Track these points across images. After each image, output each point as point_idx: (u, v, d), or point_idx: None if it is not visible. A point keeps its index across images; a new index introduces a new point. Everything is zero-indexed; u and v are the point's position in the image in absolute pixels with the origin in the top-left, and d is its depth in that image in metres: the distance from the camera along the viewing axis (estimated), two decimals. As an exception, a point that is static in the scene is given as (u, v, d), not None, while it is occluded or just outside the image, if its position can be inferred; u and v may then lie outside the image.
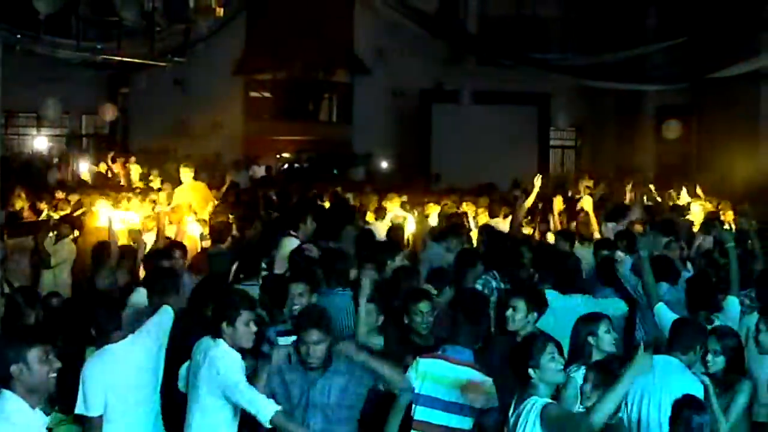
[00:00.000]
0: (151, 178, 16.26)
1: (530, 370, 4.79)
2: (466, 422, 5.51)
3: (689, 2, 20.94)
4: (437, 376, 5.49)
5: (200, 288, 6.98)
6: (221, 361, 5.32)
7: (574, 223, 12.05)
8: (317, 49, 22.59)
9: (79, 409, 5.41)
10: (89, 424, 5.41)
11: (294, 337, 5.74)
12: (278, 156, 24.24)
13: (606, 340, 5.74)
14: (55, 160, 21.36)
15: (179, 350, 5.70)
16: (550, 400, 4.74)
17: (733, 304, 6.87)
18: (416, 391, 5.47)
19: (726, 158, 19.61)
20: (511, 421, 4.83)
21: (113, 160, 18.93)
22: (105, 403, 5.41)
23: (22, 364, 4.01)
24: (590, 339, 5.74)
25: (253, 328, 5.53)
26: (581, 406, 4.94)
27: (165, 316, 5.89)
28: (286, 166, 23.39)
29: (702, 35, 20.02)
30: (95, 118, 24.23)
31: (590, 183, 17.89)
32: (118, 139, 24.17)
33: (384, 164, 21.94)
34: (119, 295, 7.09)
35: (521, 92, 23.40)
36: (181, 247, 8.63)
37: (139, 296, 7.11)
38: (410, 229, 12.03)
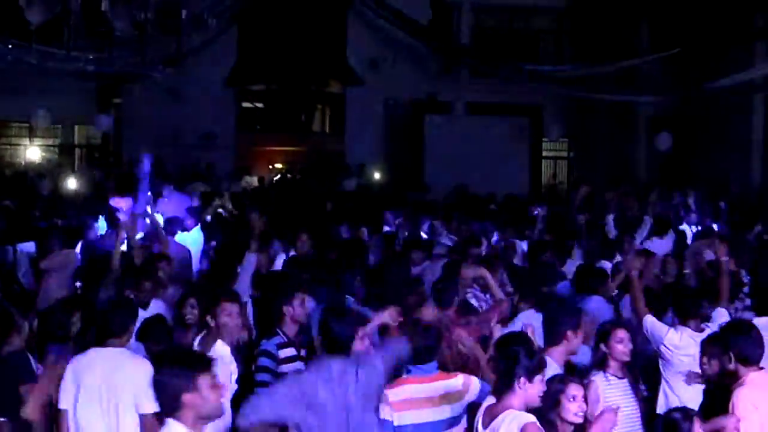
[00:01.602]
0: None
1: (522, 379, 4.72)
2: (458, 431, 5.50)
3: (682, 13, 20.99)
4: (413, 401, 5.38)
5: None
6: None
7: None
8: (310, 59, 22.58)
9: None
10: (58, 416, 5.52)
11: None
12: (270, 167, 24.23)
13: (618, 350, 5.83)
14: (48, 170, 21.25)
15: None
16: (531, 418, 4.65)
17: (722, 315, 6.92)
18: (396, 424, 5.35)
19: (718, 169, 19.65)
20: None
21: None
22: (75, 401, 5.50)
23: (194, 392, 3.86)
24: (602, 346, 5.87)
25: (236, 319, 5.61)
26: None
27: None
28: (278, 176, 23.35)
29: (694, 46, 20.07)
30: (87, 128, 24.20)
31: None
32: (110, 150, 24.14)
33: (377, 175, 21.90)
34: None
35: (514, 103, 23.44)
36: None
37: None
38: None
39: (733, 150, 20.38)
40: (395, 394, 5.37)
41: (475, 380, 5.55)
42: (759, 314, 7.07)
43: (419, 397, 5.39)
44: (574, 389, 4.89)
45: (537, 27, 25.60)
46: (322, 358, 5.27)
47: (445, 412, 5.41)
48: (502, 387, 4.78)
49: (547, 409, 4.83)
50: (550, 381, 4.95)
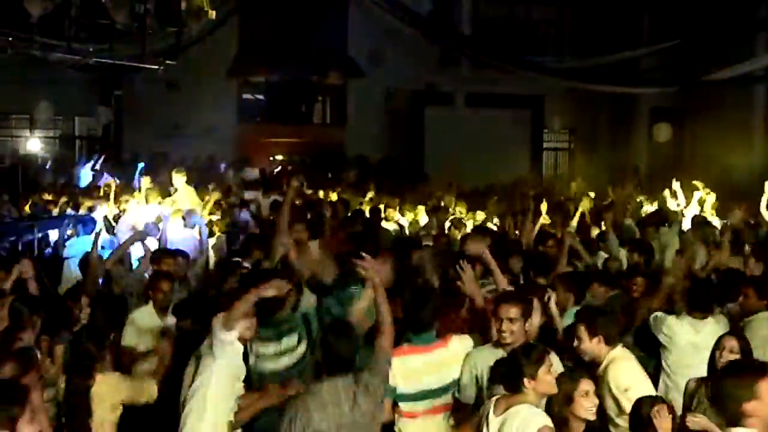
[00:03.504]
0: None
1: (525, 380, 4.79)
2: (450, 395, 5.63)
3: (683, 5, 20.96)
4: (414, 370, 5.51)
5: None
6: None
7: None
8: (310, 51, 22.54)
9: None
10: None
11: None
12: (271, 158, 24.18)
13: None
14: (49, 163, 21.26)
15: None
16: (547, 422, 4.69)
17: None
18: (399, 391, 5.47)
19: (719, 160, 19.64)
20: (493, 425, 4.78)
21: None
22: None
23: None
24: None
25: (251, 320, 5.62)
26: None
27: None
28: (280, 168, 23.33)
29: (695, 38, 20.05)
30: (88, 120, 24.18)
31: (583, 185, 17.93)
32: (111, 141, 24.10)
33: (377, 167, 21.91)
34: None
35: (515, 95, 23.40)
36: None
37: (142, 315, 7.20)
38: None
39: (734, 141, 20.37)
40: (396, 364, 5.41)
41: (467, 339, 5.75)
42: None
43: (419, 367, 5.52)
44: (586, 385, 4.92)
45: (538, 18, 25.55)
46: (317, 381, 5.13)
47: (445, 378, 5.58)
48: (511, 390, 4.87)
49: (559, 406, 4.86)
50: (561, 377, 5.01)
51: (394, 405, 5.49)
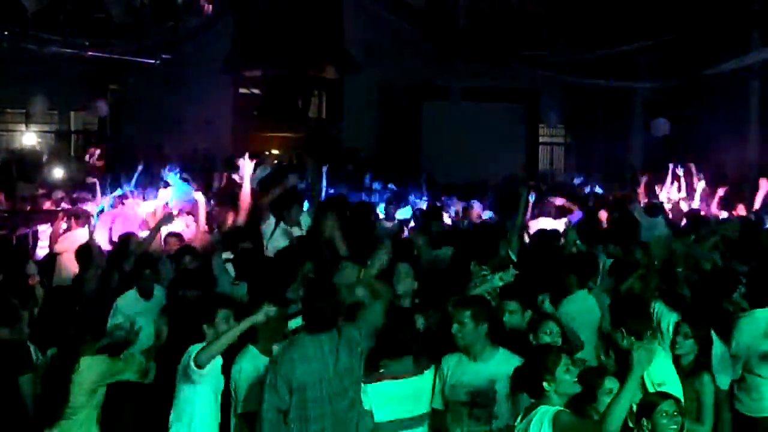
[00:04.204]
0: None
1: (545, 383, 4.78)
2: (425, 426, 5.56)
3: (679, -1, 20.98)
4: (388, 399, 5.42)
5: None
6: None
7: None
8: (306, 45, 22.52)
9: None
10: None
11: None
12: (267, 153, 24.17)
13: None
14: (45, 157, 21.24)
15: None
16: (562, 408, 4.70)
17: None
18: (375, 420, 5.36)
19: (714, 155, 19.66)
20: (520, 428, 4.78)
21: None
22: None
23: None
24: None
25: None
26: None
27: None
28: (276, 162, 23.29)
29: (691, 32, 20.04)
30: (84, 114, 24.14)
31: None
32: (107, 136, 24.08)
33: (373, 161, 21.91)
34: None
35: (511, 89, 23.43)
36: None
37: (127, 301, 7.20)
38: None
39: (730, 135, 20.38)
40: (373, 388, 5.38)
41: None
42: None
43: (394, 394, 5.44)
44: (610, 382, 4.93)
45: (533, 12, 25.51)
46: (299, 336, 5.24)
47: (421, 408, 5.50)
48: (534, 395, 4.87)
49: (582, 403, 4.88)
50: (585, 375, 5.01)
51: None
